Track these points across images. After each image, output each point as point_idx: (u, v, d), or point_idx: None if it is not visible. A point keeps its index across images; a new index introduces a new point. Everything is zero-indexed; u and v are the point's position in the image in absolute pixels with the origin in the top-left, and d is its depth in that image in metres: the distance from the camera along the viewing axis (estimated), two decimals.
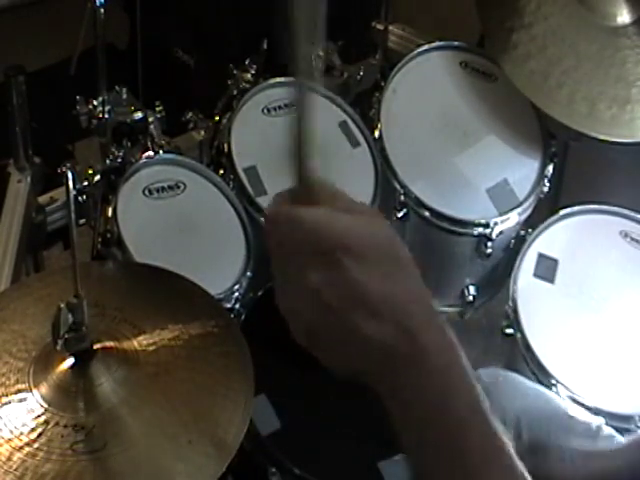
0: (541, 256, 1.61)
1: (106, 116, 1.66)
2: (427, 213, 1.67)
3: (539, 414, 1.32)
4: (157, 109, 1.72)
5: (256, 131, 1.69)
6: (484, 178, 1.72)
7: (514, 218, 1.70)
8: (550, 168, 1.75)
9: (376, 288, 0.65)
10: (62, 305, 1.01)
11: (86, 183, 1.63)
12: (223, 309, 1.35)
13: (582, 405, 1.42)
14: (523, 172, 1.75)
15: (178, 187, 1.58)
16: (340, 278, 0.64)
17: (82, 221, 1.65)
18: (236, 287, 1.48)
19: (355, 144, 1.74)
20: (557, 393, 1.45)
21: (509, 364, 1.55)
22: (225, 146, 1.65)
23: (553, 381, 1.46)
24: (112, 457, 1.00)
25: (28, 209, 1.67)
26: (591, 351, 1.53)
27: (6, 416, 1.03)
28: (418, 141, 1.75)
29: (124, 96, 1.69)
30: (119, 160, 1.65)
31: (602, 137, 1.64)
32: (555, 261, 1.61)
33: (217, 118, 1.80)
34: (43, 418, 1.02)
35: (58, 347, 1.03)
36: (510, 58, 1.70)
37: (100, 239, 1.53)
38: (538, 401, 1.36)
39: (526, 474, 0.67)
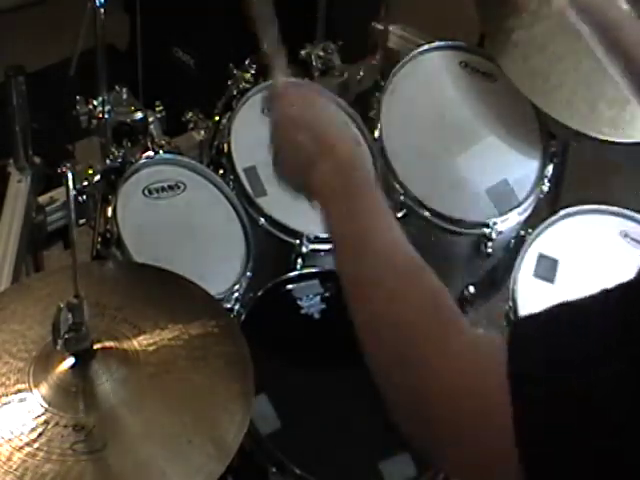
0: (541, 256, 1.61)
1: (106, 116, 1.66)
2: (427, 213, 1.67)
3: None
4: (157, 109, 1.72)
5: (256, 131, 1.67)
6: (484, 178, 1.72)
7: (514, 218, 1.70)
8: (550, 168, 1.75)
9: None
10: (62, 305, 1.01)
11: (86, 183, 1.63)
12: (223, 309, 1.35)
13: None
14: (523, 172, 1.75)
15: (178, 187, 1.58)
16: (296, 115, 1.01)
17: (82, 221, 1.65)
18: (236, 287, 1.48)
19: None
20: None
21: None
22: (225, 146, 1.64)
23: None
24: (112, 457, 1.00)
25: (28, 209, 1.67)
26: None
27: (6, 416, 1.03)
28: (418, 141, 1.75)
29: (124, 96, 1.69)
30: (119, 160, 1.65)
31: (602, 137, 1.64)
32: (555, 261, 1.61)
33: (217, 118, 1.80)
34: (43, 418, 1.02)
35: (58, 347, 1.03)
36: (510, 58, 1.69)
37: (100, 239, 1.53)
38: None
39: None
